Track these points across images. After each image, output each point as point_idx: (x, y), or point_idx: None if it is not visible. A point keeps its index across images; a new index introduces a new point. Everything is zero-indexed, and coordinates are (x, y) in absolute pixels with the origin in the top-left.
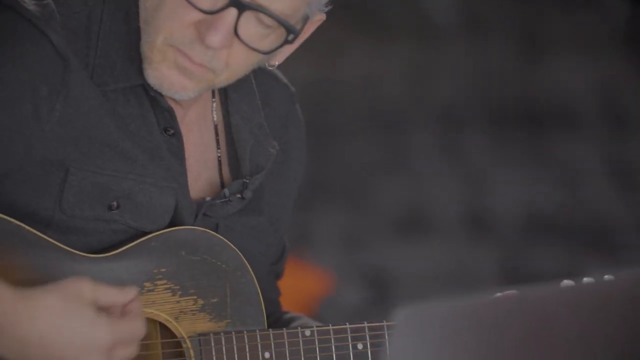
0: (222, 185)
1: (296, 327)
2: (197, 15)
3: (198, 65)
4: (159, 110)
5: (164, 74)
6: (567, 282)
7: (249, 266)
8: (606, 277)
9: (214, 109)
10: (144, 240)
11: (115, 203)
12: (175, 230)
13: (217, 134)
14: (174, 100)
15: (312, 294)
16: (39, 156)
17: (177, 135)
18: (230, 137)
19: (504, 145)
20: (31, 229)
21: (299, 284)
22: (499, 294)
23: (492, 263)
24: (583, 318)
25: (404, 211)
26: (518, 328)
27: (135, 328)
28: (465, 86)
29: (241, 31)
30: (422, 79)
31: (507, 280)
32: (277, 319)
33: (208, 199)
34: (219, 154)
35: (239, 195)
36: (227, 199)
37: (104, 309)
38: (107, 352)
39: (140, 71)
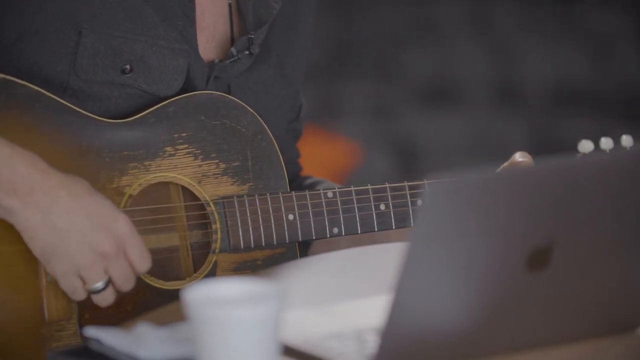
0: (233, 42)
1: (318, 189)
2: None
3: None
4: None
5: None
6: (585, 143)
7: (268, 130)
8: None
9: None
10: (162, 106)
11: (128, 66)
12: (192, 95)
13: None
14: None
15: (341, 166)
16: (51, 15)
17: None
18: None
19: (534, 14)
20: (50, 94)
21: (328, 156)
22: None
23: (520, 133)
24: (612, 183)
25: (432, 81)
26: (548, 196)
27: (145, 254)
28: None
29: None
30: None
31: (536, 150)
32: (299, 185)
33: (217, 60)
34: (229, 5)
35: (246, 52)
36: (236, 57)
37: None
38: (120, 242)
39: None
